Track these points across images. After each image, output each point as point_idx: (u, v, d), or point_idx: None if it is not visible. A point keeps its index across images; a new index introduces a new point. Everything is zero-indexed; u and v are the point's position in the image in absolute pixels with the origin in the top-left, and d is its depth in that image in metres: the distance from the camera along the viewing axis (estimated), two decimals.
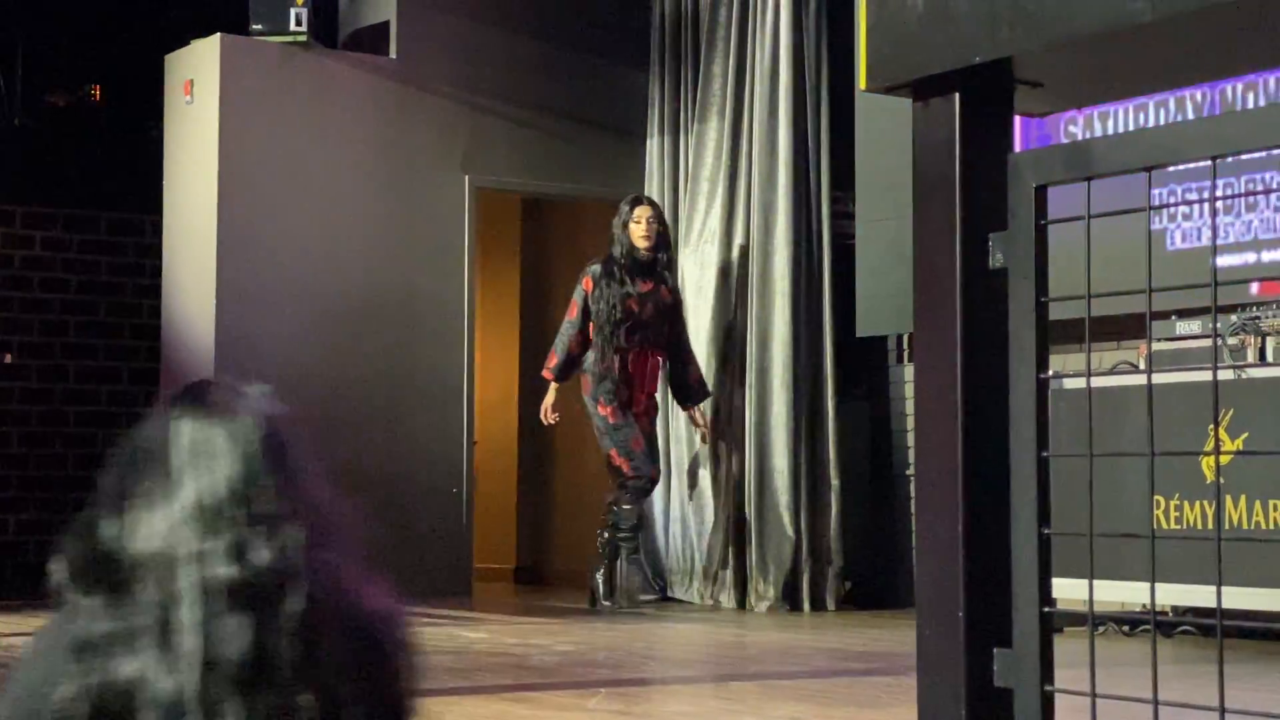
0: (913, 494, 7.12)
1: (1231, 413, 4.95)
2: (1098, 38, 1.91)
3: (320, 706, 0.81)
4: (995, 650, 2.06)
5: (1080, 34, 1.92)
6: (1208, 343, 5.27)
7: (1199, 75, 2.72)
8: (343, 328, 7.54)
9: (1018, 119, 2.22)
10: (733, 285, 7.24)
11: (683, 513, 7.13)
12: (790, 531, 6.91)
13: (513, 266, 9.47)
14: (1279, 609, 4.60)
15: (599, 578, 6.78)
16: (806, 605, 6.88)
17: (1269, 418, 4.72)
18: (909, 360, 7.26)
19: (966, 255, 2.06)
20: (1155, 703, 1.90)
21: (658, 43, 7.82)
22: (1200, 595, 4.83)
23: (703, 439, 7.18)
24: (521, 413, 9.31)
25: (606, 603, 6.71)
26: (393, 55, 7.78)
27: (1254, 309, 5.17)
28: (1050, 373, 2.05)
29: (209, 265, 7.37)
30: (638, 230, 6.86)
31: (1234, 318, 5.21)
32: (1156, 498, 5.17)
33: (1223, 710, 1.83)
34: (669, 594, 7.41)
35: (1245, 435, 4.82)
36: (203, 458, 0.86)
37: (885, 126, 6.83)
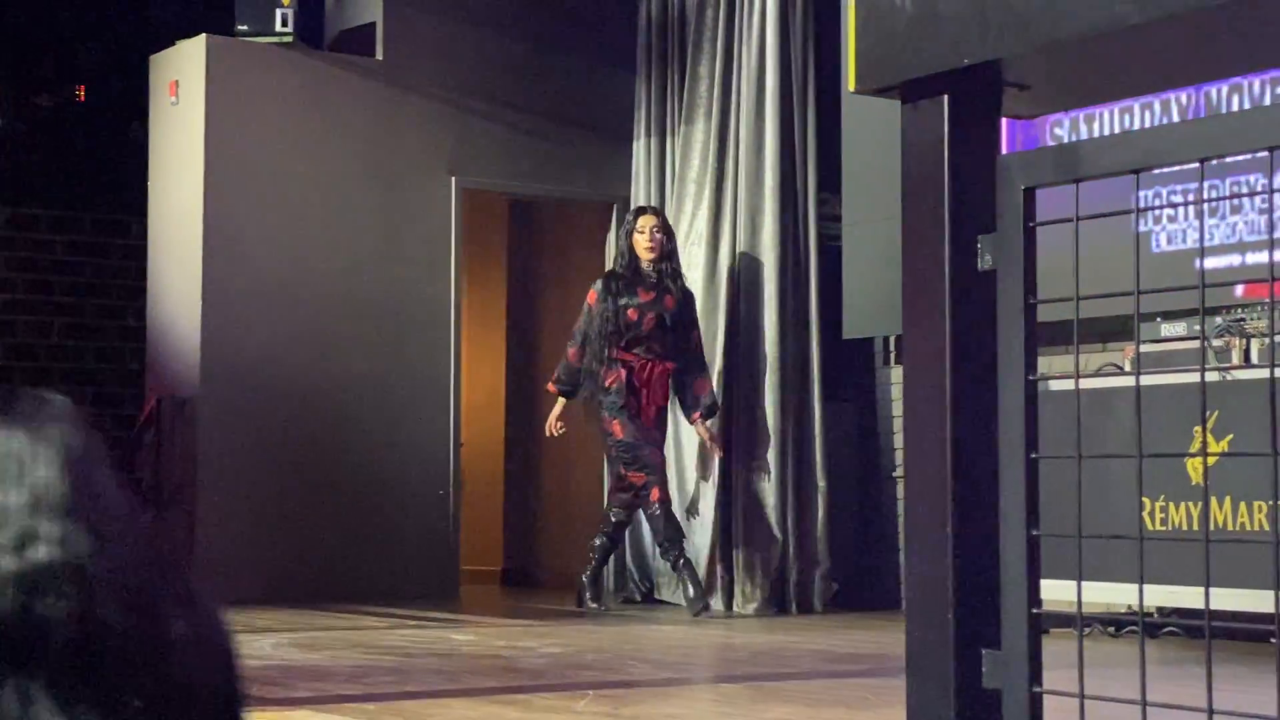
0: (899, 496, 7.14)
1: (1217, 414, 4.96)
2: (1086, 40, 1.92)
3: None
4: (984, 651, 2.06)
5: (1068, 36, 1.93)
6: (1193, 345, 5.29)
7: (1187, 78, 2.73)
8: (329, 329, 7.53)
9: (1004, 121, 2.22)
10: (720, 287, 7.24)
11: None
12: (777, 533, 6.91)
13: (499, 268, 9.47)
14: (1265, 610, 4.61)
15: (585, 579, 6.78)
16: (794, 607, 6.89)
17: (1254, 419, 4.73)
18: (895, 362, 7.27)
19: (955, 257, 2.07)
20: (1144, 704, 1.90)
21: (644, 45, 7.82)
22: (1186, 596, 4.85)
23: (709, 453, 6.96)
24: (508, 415, 9.31)
25: (593, 604, 6.69)
26: (379, 56, 7.77)
27: (1239, 311, 5.19)
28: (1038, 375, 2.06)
29: (194, 267, 7.36)
30: (641, 240, 6.80)
31: (1219, 320, 5.23)
32: (1144, 499, 5.19)
33: (1211, 711, 1.83)
34: (656, 596, 7.41)
35: (1230, 436, 4.84)
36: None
37: (871, 129, 6.85)
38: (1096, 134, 5.98)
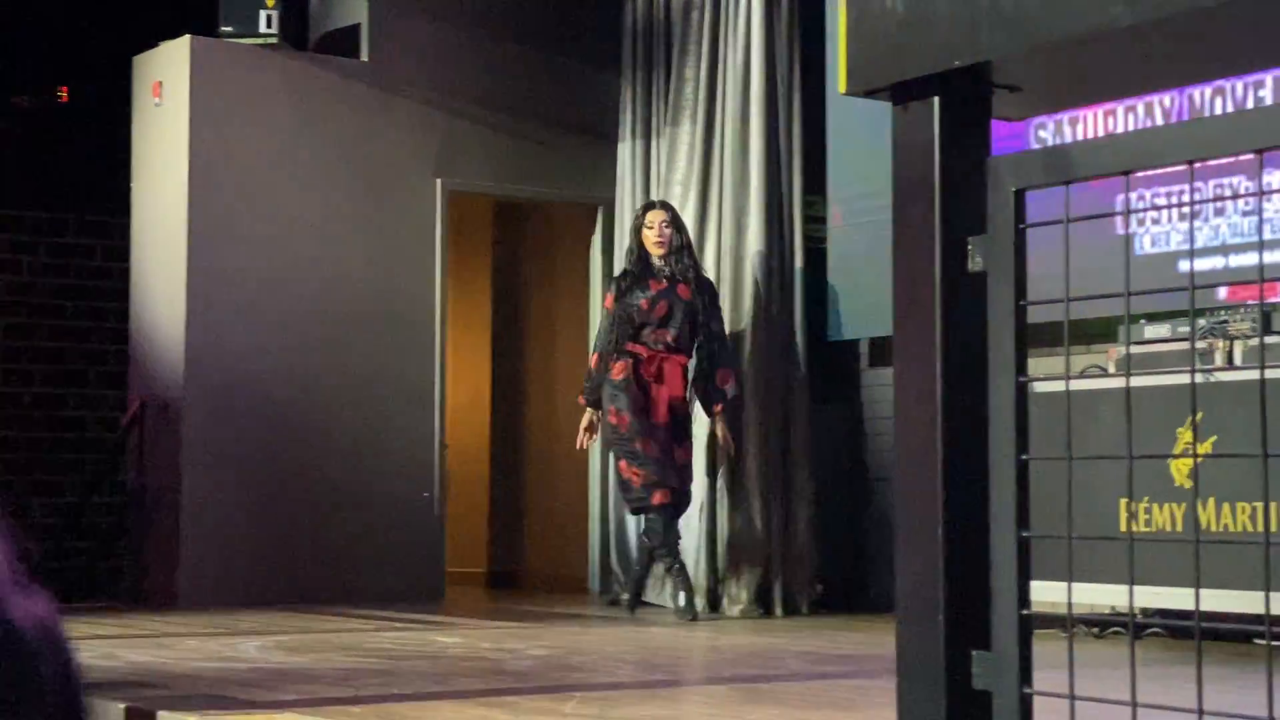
0: (885, 498, 7.15)
1: (1200, 416, 4.98)
2: (1077, 41, 1.92)
3: None
4: (974, 653, 2.06)
5: (1059, 38, 1.93)
6: (1177, 346, 5.31)
7: (1177, 80, 2.74)
8: (313, 331, 7.52)
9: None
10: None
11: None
12: (763, 535, 6.91)
13: (485, 270, 9.46)
14: (1249, 611, 4.63)
15: (625, 580, 6.74)
16: (779, 609, 6.89)
17: (1237, 421, 4.75)
18: (881, 364, 7.27)
19: (945, 258, 2.07)
20: (1134, 704, 1.91)
21: (630, 46, 7.82)
22: (1169, 597, 4.86)
23: (725, 453, 6.82)
24: (493, 417, 9.30)
25: (629, 611, 6.67)
26: (364, 58, 7.76)
27: (1222, 313, 5.20)
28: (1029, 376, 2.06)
29: (179, 268, 7.33)
30: (650, 236, 6.68)
31: (1203, 322, 5.25)
32: (1125, 500, 5.20)
33: (1201, 712, 1.84)
34: (642, 598, 7.41)
35: (1214, 438, 4.85)
36: None
37: (857, 131, 6.86)
38: (1080, 136, 5.99)
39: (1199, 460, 4.90)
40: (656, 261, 6.66)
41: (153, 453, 7.40)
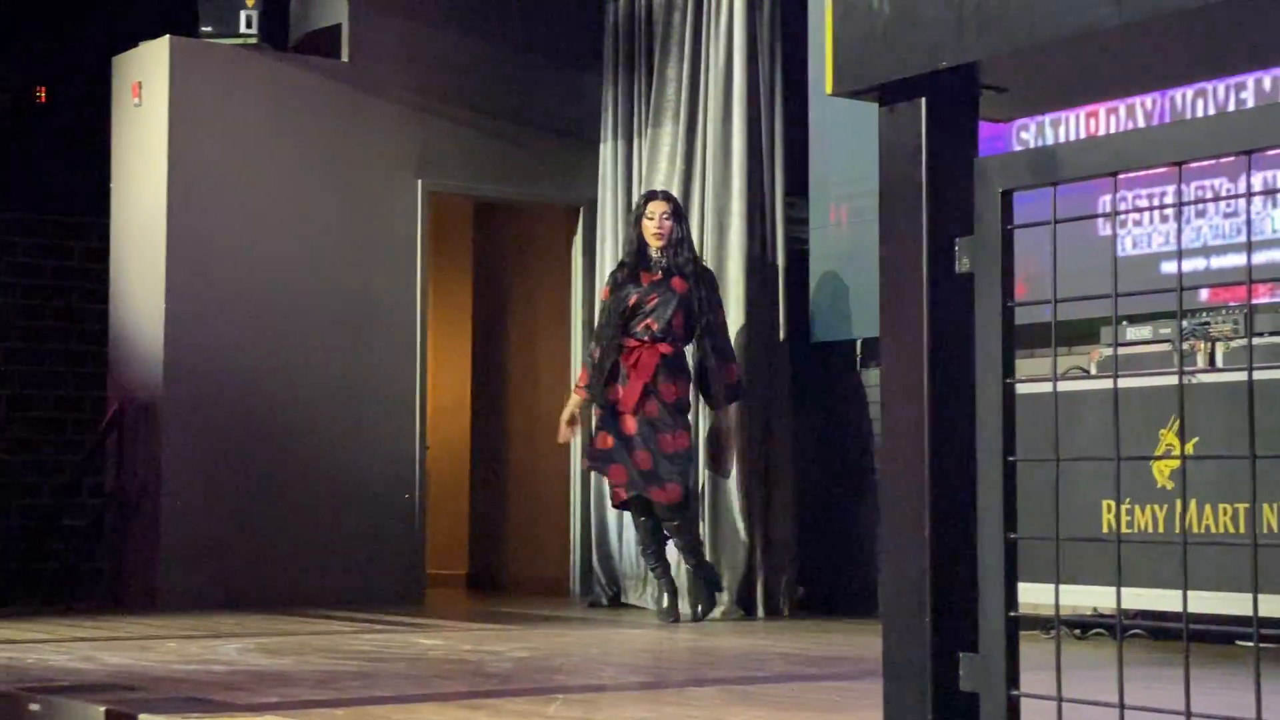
0: (867, 499, 7.15)
1: (1181, 417, 4.99)
2: (1063, 43, 1.92)
3: None
4: (961, 655, 2.06)
5: (1046, 39, 1.93)
6: (1158, 348, 5.32)
7: (1164, 81, 2.74)
8: (294, 332, 7.49)
9: None
10: None
11: None
12: (745, 537, 6.91)
13: (465, 271, 9.44)
14: (1231, 612, 4.64)
15: (663, 589, 6.58)
16: (761, 611, 6.89)
17: (1219, 422, 4.76)
18: (863, 365, 7.27)
19: (932, 259, 2.07)
20: (1121, 706, 1.90)
21: (611, 47, 7.81)
22: (1151, 599, 4.87)
23: (727, 448, 6.73)
24: (473, 418, 9.28)
25: (670, 618, 6.49)
26: (344, 58, 7.74)
27: (1204, 314, 5.22)
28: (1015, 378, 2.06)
29: (158, 269, 7.30)
30: (649, 226, 6.52)
31: (1185, 323, 5.26)
32: (1108, 502, 5.21)
33: (1189, 714, 1.83)
34: (623, 600, 7.40)
35: (1196, 439, 4.86)
36: None
37: (839, 132, 6.86)
38: (1063, 138, 6.01)
39: (1183, 461, 4.91)
40: (653, 254, 6.55)
41: (132, 454, 7.37)
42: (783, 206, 7.16)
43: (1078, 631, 5.62)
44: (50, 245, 8.73)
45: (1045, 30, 1.92)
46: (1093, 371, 5.54)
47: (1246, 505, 4.84)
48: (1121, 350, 5.44)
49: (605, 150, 7.81)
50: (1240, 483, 4.84)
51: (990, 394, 2.00)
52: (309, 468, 7.45)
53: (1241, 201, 5.38)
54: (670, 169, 7.32)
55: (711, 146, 7.17)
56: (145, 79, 7.48)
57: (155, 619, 6.47)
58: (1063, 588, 4.76)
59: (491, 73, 7.99)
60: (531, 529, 8.76)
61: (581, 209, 8.13)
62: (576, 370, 7.51)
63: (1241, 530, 4.84)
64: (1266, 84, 5.47)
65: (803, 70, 7.03)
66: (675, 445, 6.43)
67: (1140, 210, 5.62)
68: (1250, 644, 5.01)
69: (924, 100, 2.07)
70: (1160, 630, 5.29)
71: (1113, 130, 5.81)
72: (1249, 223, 1.58)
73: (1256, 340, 5.06)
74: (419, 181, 7.81)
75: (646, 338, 6.45)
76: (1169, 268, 5.72)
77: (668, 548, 6.65)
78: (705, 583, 6.62)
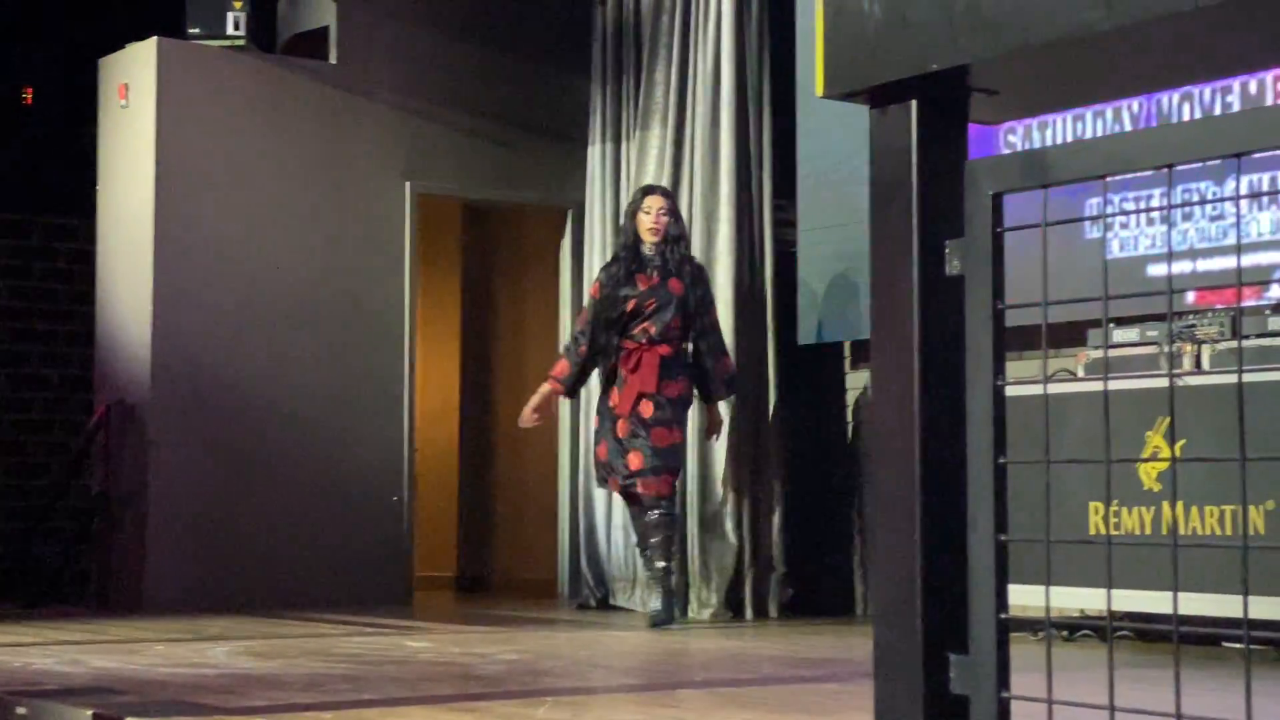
0: (855, 501, 7.15)
1: (1168, 420, 5.00)
2: (1054, 45, 1.93)
3: None
4: (952, 657, 2.06)
5: (1037, 42, 1.93)
6: (1144, 350, 5.33)
7: (1154, 84, 2.75)
8: (282, 335, 7.48)
9: None
10: None
11: (625, 520, 7.11)
12: (733, 539, 6.91)
13: (454, 273, 9.43)
14: (1220, 614, 4.65)
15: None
16: (749, 612, 6.89)
17: (1205, 424, 4.77)
18: (851, 367, 7.28)
19: (923, 262, 2.07)
20: (1111, 709, 1.91)
21: (599, 50, 7.81)
22: (1138, 600, 4.88)
23: (705, 436, 6.67)
24: (462, 420, 9.28)
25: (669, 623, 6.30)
26: (332, 60, 7.73)
27: (1190, 317, 5.24)
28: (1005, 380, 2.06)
29: (145, 271, 7.29)
30: (645, 221, 6.38)
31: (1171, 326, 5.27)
32: (1095, 504, 5.22)
33: (1179, 716, 1.84)
34: (612, 601, 7.40)
35: (1183, 441, 4.88)
36: None
37: (828, 135, 6.86)
38: (1049, 142, 6.02)
39: (1173, 463, 4.92)
40: (647, 250, 6.42)
41: (119, 456, 7.35)
42: (771, 209, 7.16)
43: (1064, 633, 5.63)
44: (37, 247, 8.71)
45: (1036, 33, 1.93)
46: (1079, 374, 5.55)
47: (1232, 507, 4.85)
48: (1109, 353, 5.45)
49: (594, 153, 7.81)
50: (1227, 485, 4.85)
51: (981, 396, 2.01)
52: (297, 470, 7.44)
53: (1227, 205, 5.39)
54: (659, 171, 7.32)
55: (700, 149, 7.17)
56: (132, 81, 7.47)
57: (142, 622, 6.45)
58: (1049, 589, 4.77)
59: (480, 75, 7.99)
60: (520, 531, 8.76)
61: (570, 211, 8.13)
62: None
63: (1228, 532, 4.85)
64: (1252, 88, 5.49)
65: (791, 73, 7.04)
66: (670, 439, 6.35)
67: (1131, 213, 5.64)
68: (1237, 645, 5.03)
69: (914, 103, 2.07)
70: (1147, 631, 5.30)
71: (1100, 134, 5.82)
72: (1239, 226, 1.59)
73: (1243, 343, 5.08)
74: (407, 183, 7.81)
75: (644, 340, 6.35)
76: (1155, 270, 5.74)
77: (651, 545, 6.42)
78: (667, 588, 6.38)
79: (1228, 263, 5.50)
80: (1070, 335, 5.71)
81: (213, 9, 7.46)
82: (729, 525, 6.92)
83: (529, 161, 8.08)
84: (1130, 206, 5.74)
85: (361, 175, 7.72)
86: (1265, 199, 5.36)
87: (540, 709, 3.60)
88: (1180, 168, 1.89)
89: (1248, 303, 5.27)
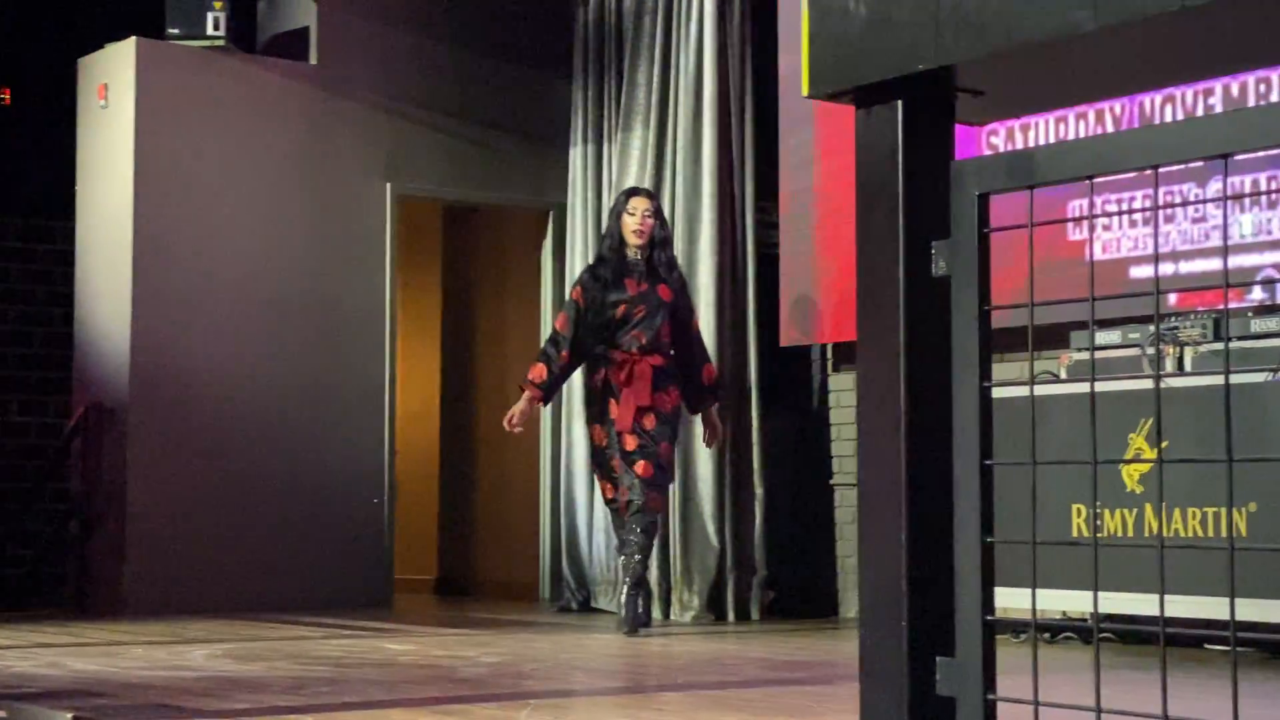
0: (837, 503, 7.15)
1: (1150, 421, 5.01)
2: (1040, 46, 1.92)
3: None
4: (938, 659, 2.05)
5: (1023, 42, 1.93)
6: (1127, 352, 5.34)
7: (1141, 84, 2.75)
8: (262, 336, 7.45)
9: None
10: None
11: (606, 523, 7.11)
12: (715, 541, 6.91)
13: (434, 275, 9.41)
14: (1201, 616, 4.66)
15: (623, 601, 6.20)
16: (731, 615, 6.88)
17: (1187, 426, 4.78)
18: (833, 369, 7.28)
19: (909, 263, 2.06)
20: (1099, 710, 1.90)
21: (581, 51, 7.80)
22: (1120, 602, 4.89)
23: (706, 442, 6.55)
24: (443, 422, 9.25)
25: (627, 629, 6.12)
26: (313, 61, 7.70)
27: (1172, 319, 5.25)
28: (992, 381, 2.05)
29: (124, 272, 7.25)
30: (630, 223, 6.20)
31: (1153, 328, 5.29)
32: (1077, 506, 5.23)
33: (1166, 718, 1.83)
34: (592, 604, 7.38)
35: (1165, 444, 4.88)
36: None
37: (809, 136, 6.86)
38: (1032, 143, 6.02)
39: (1157, 465, 4.93)
40: (631, 253, 6.25)
41: (97, 459, 7.31)
42: (753, 211, 7.16)
43: (1046, 635, 5.63)
44: (14, 248, 8.65)
45: (1022, 33, 1.92)
46: (1062, 376, 5.56)
47: (1213, 509, 4.86)
48: (1089, 355, 5.46)
49: (575, 154, 7.80)
50: (1208, 487, 4.86)
51: (967, 397, 2.00)
52: (276, 472, 7.41)
53: (1209, 206, 5.40)
54: (640, 173, 7.31)
55: (682, 151, 7.16)
56: (111, 81, 7.43)
57: (121, 625, 6.42)
58: (1028, 592, 4.77)
59: (461, 76, 7.97)
60: (500, 533, 8.74)
61: (551, 213, 8.11)
62: None
63: (1210, 534, 4.86)
64: (1234, 90, 5.50)
65: (773, 74, 7.04)
66: (669, 455, 6.25)
67: (1117, 214, 5.65)
68: (1218, 647, 5.04)
69: (900, 103, 2.07)
70: (1130, 633, 5.30)
71: (1082, 135, 5.83)
72: (1225, 227, 1.59)
73: (1222, 345, 5.09)
74: (388, 185, 7.78)
75: (635, 349, 6.17)
76: (1137, 273, 5.75)
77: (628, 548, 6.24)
78: (647, 592, 6.28)
79: (1209, 265, 5.52)
80: (1052, 337, 5.72)
81: (192, 9, 7.43)
82: (711, 528, 6.92)
83: (510, 163, 8.06)
84: (1112, 208, 5.75)
85: (342, 176, 7.70)
86: (1246, 201, 5.37)
87: (523, 712, 3.58)
88: (1162, 170, 1.88)
89: (1230, 304, 5.28)
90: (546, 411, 7.63)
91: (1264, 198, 5.38)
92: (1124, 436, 5.05)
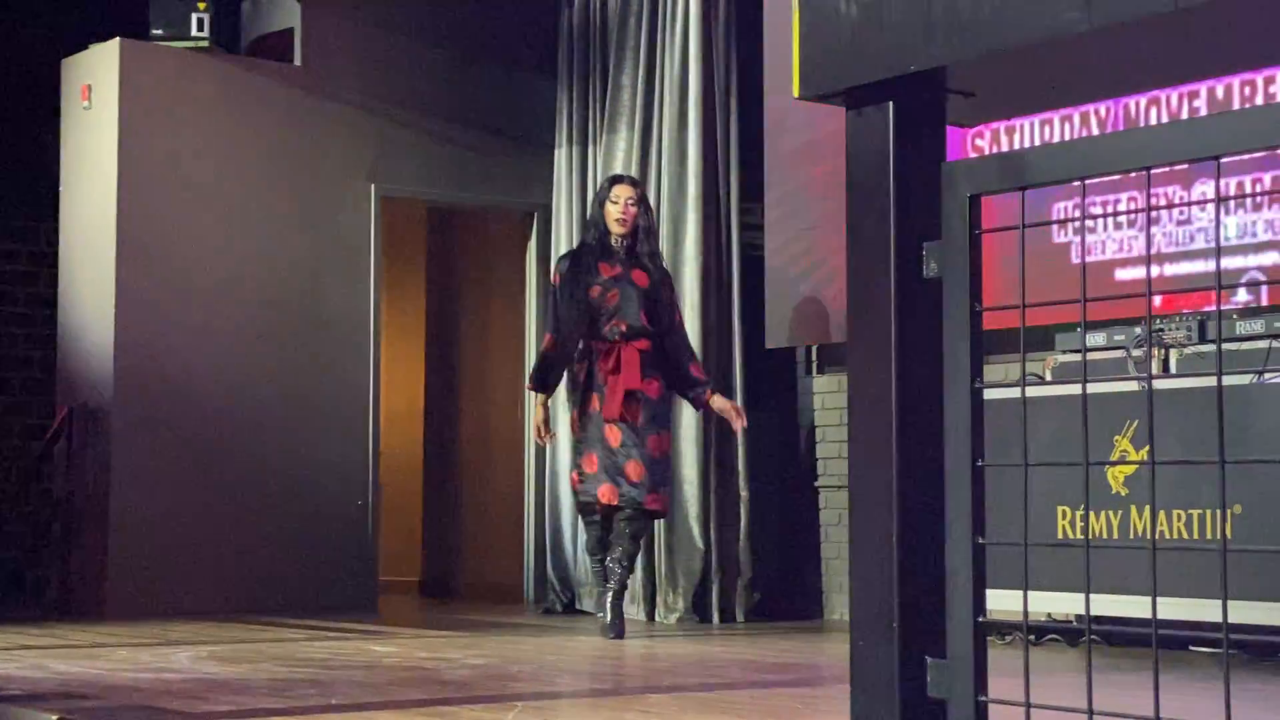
0: (822, 505, 7.15)
1: (1136, 423, 5.02)
2: (1032, 47, 1.92)
3: None
4: (929, 660, 2.05)
5: (1014, 44, 1.93)
6: (1113, 354, 5.35)
7: (1132, 86, 2.75)
8: (246, 338, 7.43)
9: None
10: None
11: None
12: (699, 543, 6.90)
13: (419, 276, 9.40)
14: (1191, 618, 4.67)
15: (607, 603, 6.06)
16: (716, 616, 6.88)
17: (1173, 428, 4.79)
18: (818, 371, 7.29)
19: (900, 264, 2.06)
20: (1090, 712, 1.90)
21: (566, 52, 7.79)
22: (1105, 604, 4.89)
23: (732, 423, 6.29)
24: (427, 424, 9.24)
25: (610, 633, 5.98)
26: (297, 62, 7.68)
27: (1158, 321, 5.26)
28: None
29: (107, 273, 7.22)
30: (613, 211, 6.09)
31: (1138, 330, 5.30)
32: (1063, 508, 5.23)
33: (1158, 719, 1.83)
34: (577, 606, 7.38)
35: (1149, 446, 4.89)
36: None
37: (795, 139, 6.86)
38: (1018, 145, 6.03)
39: (1132, 467, 4.94)
40: (614, 241, 6.14)
41: (80, 461, 7.28)
42: (738, 212, 7.16)
43: (1032, 637, 5.64)
44: None
45: (1013, 35, 1.92)
46: (1047, 378, 5.56)
47: (1199, 511, 4.87)
48: (1074, 357, 5.47)
49: (560, 156, 7.79)
50: (1193, 489, 4.87)
51: (958, 398, 2.00)
52: (261, 474, 7.39)
53: (1194, 209, 5.42)
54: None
55: (667, 152, 7.16)
56: (95, 82, 7.40)
57: (104, 627, 6.39)
58: (1016, 593, 4.77)
59: (445, 77, 7.96)
60: (485, 535, 8.72)
61: (536, 214, 8.10)
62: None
63: (1195, 536, 4.87)
64: (1220, 92, 5.51)
65: (758, 76, 7.04)
66: (661, 448, 6.10)
67: (1107, 216, 5.66)
68: (1206, 649, 5.05)
69: (891, 104, 2.07)
70: (1116, 635, 5.31)
71: (1068, 137, 5.84)
72: (1218, 228, 1.59)
73: (1211, 347, 5.11)
74: (372, 186, 7.77)
75: (618, 337, 6.06)
76: (1123, 275, 5.76)
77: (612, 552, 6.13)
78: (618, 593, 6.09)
79: (1194, 267, 5.53)
80: (1037, 339, 5.73)
81: (176, 10, 7.41)
82: (695, 530, 6.91)
83: (495, 164, 8.05)
84: (1097, 210, 5.76)
85: (326, 177, 7.68)
86: (1232, 203, 5.39)
87: (509, 714, 3.57)
88: (1154, 171, 1.88)
89: (1211, 308, 5.29)
90: (529, 414, 7.61)
91: (1248, 200, 5.40)
92: (1109, 438, 5.06)
